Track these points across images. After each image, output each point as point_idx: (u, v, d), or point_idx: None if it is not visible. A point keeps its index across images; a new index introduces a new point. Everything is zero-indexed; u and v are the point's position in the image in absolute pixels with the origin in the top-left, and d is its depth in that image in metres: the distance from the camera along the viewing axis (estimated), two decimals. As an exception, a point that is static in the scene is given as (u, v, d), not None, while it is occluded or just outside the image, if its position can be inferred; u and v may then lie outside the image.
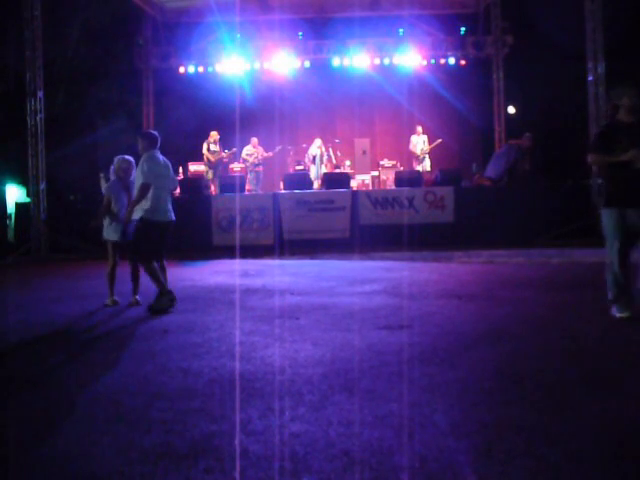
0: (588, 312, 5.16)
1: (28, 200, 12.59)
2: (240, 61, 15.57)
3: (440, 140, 14.59)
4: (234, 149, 14.25)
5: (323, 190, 12.45)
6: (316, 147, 14.36)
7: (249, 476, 2.33)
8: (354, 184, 13.71)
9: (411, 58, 15.44)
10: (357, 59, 15.47)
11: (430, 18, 15.52)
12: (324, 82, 15.97)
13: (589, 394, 3.15)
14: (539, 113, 16.26)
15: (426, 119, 15.36)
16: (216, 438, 2.69)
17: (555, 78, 15.44)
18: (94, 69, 15.86)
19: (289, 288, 6.91)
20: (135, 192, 5.76)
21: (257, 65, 15.78)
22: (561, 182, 12.65)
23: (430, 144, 14.65)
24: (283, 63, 15.58)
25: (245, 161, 14.37)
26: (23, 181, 14.67)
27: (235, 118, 13.81)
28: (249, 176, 14.18)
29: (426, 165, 14.61)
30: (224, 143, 14.38)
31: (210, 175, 13.97)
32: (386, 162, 15.08)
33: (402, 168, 14.55)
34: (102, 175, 7.03)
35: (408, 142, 14.79)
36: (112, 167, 6.43)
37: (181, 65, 15.78)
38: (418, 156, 14.57)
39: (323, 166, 14.35)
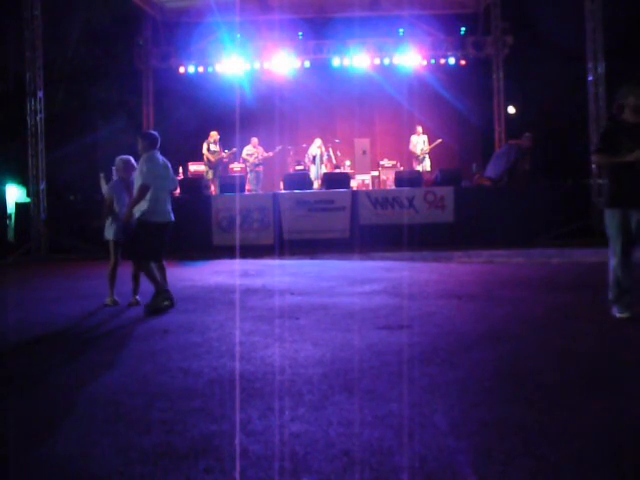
0: (588, 312, 5.16)
1: (28, 200, 12.58)
2: (240, 61, 15.56)
3: (440, 140, 14.59)
4: (234, 149, 14.25)
5: (323, 190, 12.45)
6: (316, 147, 14.36)
7: (249, 476, 2.33)
8: (354, 184, 13.71)
9: (411, 58, 15.43)
10: (357, 59, 15.46)
11: (430, 18, 15.51)
12: (324, 82, 15.96)
13: (589, 394, 3.15)
14: (539, 113, 16.28)
15: (426, 119, 15.36)
16: (216, 438, 2.69)
17: (555, 78, 15.45)
18: (94, 69, 15.88)
19: (289, 288, 6.91)
20: (134, 192, 5.78)
21: (257, 65, 15.77)
22: (561, 182, 12.66)
23: (430, 144, 14.65)
24: (283, 63, 15.57)
25: (245, 161, 14.37)
26: (23, 181, 14.67)
27: (235, 118, 13.81)
28: (249, 176, 14.18)
29: (426, 165, 14.60)
30: (224, 143, 14.38)
31: (210, 175, 13.97)
32: (386, 162, 15.08)
33: (402, 168, 14.55)
34: (102, 175, 7.02)
35: (408, 142, 14.78)
36: (114, 167, 6.44)
37: (181, 65, 15.78)
38: (418, 156, 14.57)
39: (323, 166, 14.35)
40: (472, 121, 16.21)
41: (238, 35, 15.59)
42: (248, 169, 14.34)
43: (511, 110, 17.52)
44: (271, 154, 14.51)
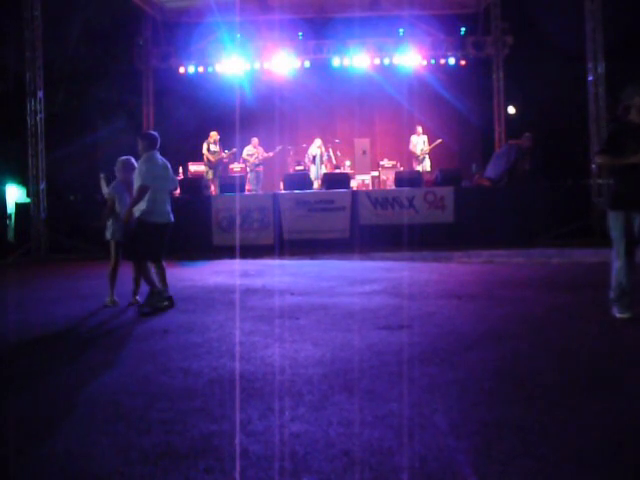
0: (588, 312, 5.16)
1: (28, 200, 12.58)
2: (240, 61, 15.56)
3: (440, 140, 14.59)
4: (234, 149, 14.25)
5: (323, 190, 12.45)
6: (316, 147, 14.36)
7: (249, 476, 2.33)
8: (354, 184, 13.71)
9: (411, 58, 15.44)
10: (357, 59, 15.46)
11: (430, 18, 15.51)
12: (324, 82, 15.96)
13: (589, 394, 3.15)
14: (539, 113, 16.26)
15: (426, 119, 15.36)
16: (216, 438, 2.69)
17: (555, 78, 15.44)
18: (94, 69, 15.86)
19: (289, 288, 6.91)
20: (134, 193, 5.78)
21: (257, 65, 15.77)
22: (561, 182, 12.65)
23: (430, 144, 14.65)
24: (283, 63, 15.57)
25: (246, 161, 14.38)
26: (23, 181, 14.67)
27: (235, 118, 13.81)
28: (249, 176, 14.19)
29: (426, 165, 14.60)
30: (224, 143, 14.38)
31: (210, 175, 13.97)
32: (386, 162, 15.08)
33: (402, 168, 14.56)
34: (102, 176, 7.00)
35: (408, 142, 14.78)
36: (116, 168, 6.44)
37: (181, 65, 15.78)
38: (418, 156, 14.57)
39: (323, 166, 14.35)
40: (472, 121, 16.22)
41: (238, 35, 15.59)
42: (248, 169, 14.34)
43: (511, 110, 17.51)
44: (271, 154, 14.51)
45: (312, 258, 10.20)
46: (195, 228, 11.36)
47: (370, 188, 14.18)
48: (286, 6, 15.33)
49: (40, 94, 12.15)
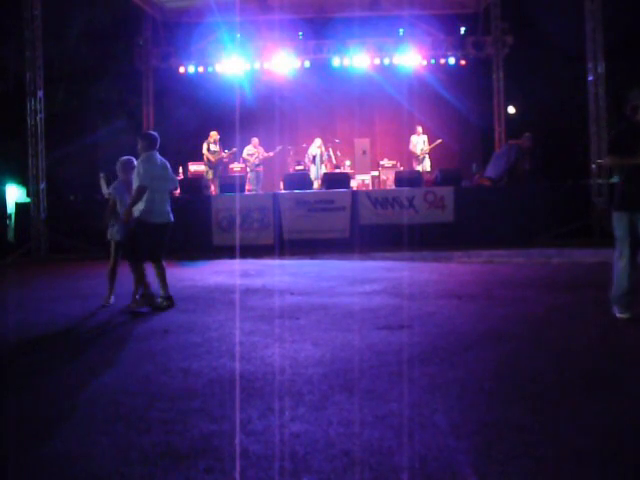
0: (588, 312, 5.16)
1: (28, 200, 12.57)
2: (240, 61, 15.56)
3: (440, 140, 14.59)
4: (234, 149, 14.25)
5: (323, 190, 12.45)
6: (316, 147, 14.36)
7: (249, 476, 2.33)
8: (354, 184, 13.71)
9: (411, 58, 15.43)
10: (357, 59, 15.45)
11: (430, 18, 15.51)
12: (324, 82, 15.96)
13: (589, 394, 3.15)
14: (539, 113, 16.26)
15: (426, 119, 15.36)
16: (216, 438, 2.69)
17: (555, 78, 15.45)
18: (94, 69, 15.86)
19: (289, 288, 6.91)
20: (133, 193, 5.78)
21: (257, 65, 15.76)
22: (561, 182, 12.64)
23: (430, 144, 14.65)
24: (283, 63, 15.57)
25: (246, 161, 14.38)
26: (23, 181, 14.65)
27: (235, 118, 13.81)
28: (250, 176, 14.19)
29: (426, 165, 14.61)
30: (224, 143, 14.38)
31: (210, 175, 13.97)
32: (386, 162, 15.08)
33: (402, 168, 14.55)
34: (102, 176, 7.01)
35: (408, 142, 14.78)
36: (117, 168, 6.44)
37: (181, 65, 15.77)
38: (418, 156, 14.57)
39: (323, 166, 14.35)
40: (472, 121, 16.21)
41: (238, 35, 15.58)
42: (248, 169, 14.34)
43: (511, 110, 17.51)
44: (271, 154, 14.51)
45: (312, 258, 10.20)
46: (195, 228, 11.35)
47: (370, 188, 14.17)
48: (286, 6, 15.32)
49: (40, 94, 12.14)
